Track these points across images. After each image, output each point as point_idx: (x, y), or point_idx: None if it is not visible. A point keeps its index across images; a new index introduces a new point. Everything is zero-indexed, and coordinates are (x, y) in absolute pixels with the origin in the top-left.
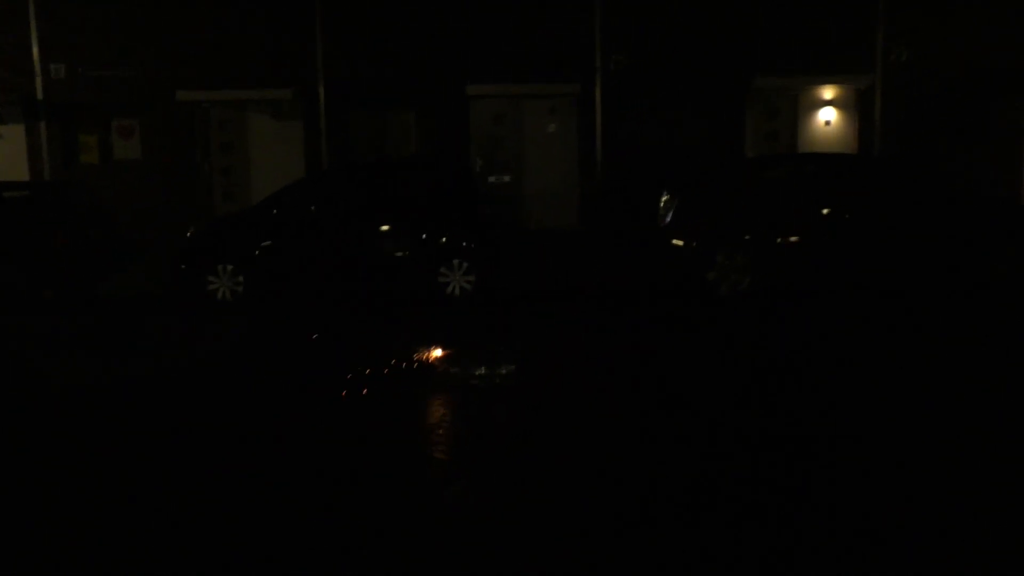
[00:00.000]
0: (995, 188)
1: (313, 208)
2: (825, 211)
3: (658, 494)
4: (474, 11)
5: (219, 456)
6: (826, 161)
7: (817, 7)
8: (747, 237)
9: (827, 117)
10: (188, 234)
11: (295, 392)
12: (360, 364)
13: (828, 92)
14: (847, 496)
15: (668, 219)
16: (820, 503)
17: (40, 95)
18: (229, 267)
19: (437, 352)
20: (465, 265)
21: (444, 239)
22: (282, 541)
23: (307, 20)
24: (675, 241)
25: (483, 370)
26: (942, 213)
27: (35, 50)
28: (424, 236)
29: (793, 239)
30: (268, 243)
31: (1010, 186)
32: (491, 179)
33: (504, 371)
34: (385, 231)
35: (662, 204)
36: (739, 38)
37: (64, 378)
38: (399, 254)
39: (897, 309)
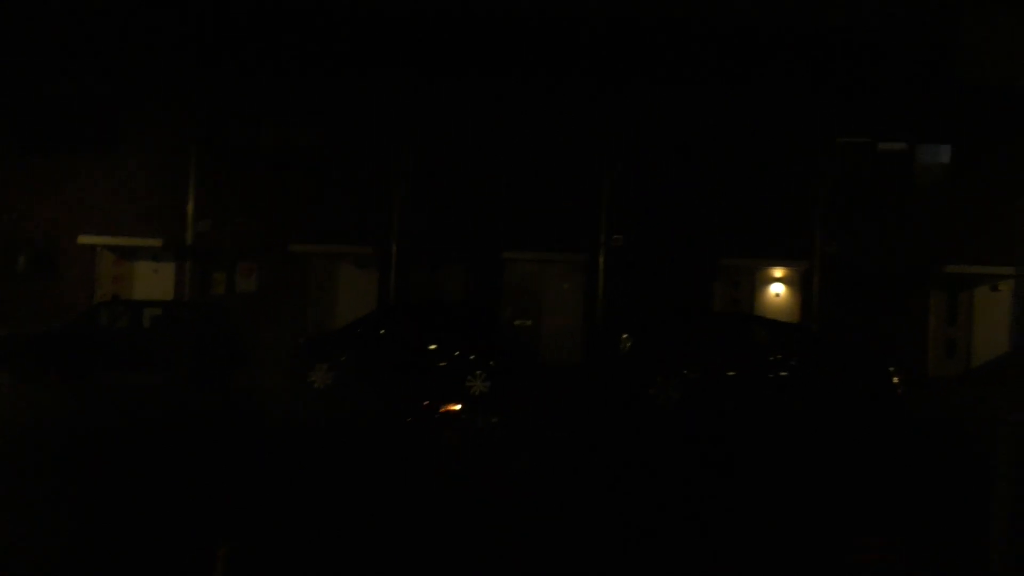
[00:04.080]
0: (904, 350)
1: (383, 331)
2: (729, 354)
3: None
4: (510, 196)
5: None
6: (733, 319)
7: (771, 209)
8: (677, 367)
9: (777, 290)
10: (299, 342)
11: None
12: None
13: (778, 272)
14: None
15: (626, 351)
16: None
17: (189, 241)
18: (325, 366)
19: (456, 406)
20: (484, 375)
21: (471, 356)
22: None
23: (386, 198)
24: (629, 366)
25: (482, 419)
26: (822, 361)
27: (190, 208)
28: (457, 353)
29: (709, 371)
30: (352, 352)
31: (917, 348)
32: (516, 322)
33: (494, 419)
34: (432, 349)
35: (622, 340)
36: (711, 227)
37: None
38: (440, 364)
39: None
